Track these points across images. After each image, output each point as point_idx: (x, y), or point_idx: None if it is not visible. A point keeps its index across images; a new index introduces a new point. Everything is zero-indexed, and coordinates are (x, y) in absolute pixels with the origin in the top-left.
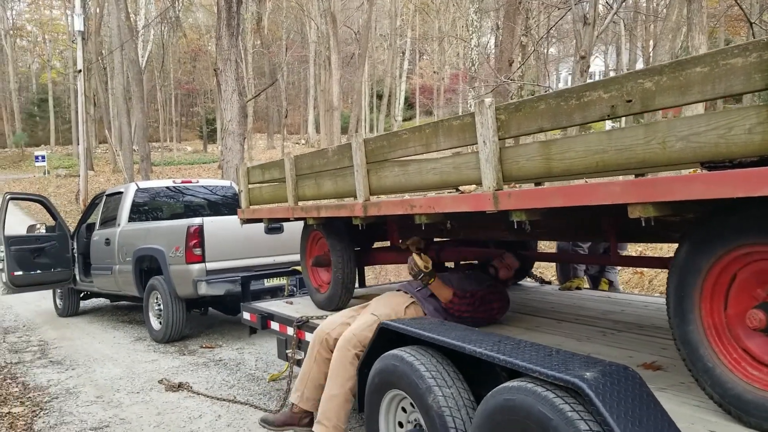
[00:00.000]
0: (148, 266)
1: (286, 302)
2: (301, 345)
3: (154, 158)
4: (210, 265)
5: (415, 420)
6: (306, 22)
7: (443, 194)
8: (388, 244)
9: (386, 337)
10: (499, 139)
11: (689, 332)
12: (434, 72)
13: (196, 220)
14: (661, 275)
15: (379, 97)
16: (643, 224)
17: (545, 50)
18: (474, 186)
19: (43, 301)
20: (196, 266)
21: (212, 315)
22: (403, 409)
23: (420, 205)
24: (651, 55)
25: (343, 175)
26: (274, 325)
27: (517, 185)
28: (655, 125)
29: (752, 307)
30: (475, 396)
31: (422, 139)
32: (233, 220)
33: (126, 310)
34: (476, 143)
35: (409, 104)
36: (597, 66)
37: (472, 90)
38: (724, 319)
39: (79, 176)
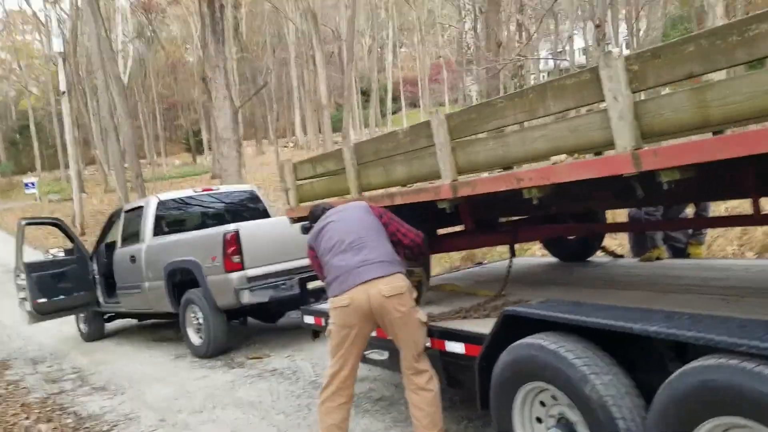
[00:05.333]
0: (180, 280)
1: None
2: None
3: (144, 175)
4: (250, 272)
5: (559, 414)
6: (284, 24)
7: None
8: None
9: (509, 327)
10: (632, 92)
11: None
12: (410, 66)
13: (231, 227)
14: (727, 235)
15: (364, 93)
16: None
17: (535, 27)
18: (564, 155)
19: (64, 326)
20: (236, 274)
21: (250, 324)
22: (542, 403)
23: (530, 178)
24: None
25: (420, 157)
26: None
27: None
28: None
29: None
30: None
31: (524, 105)
32: (267, 223)
33: (153, 329)
34: (601, 100)
35: (394, 97)
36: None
37: (469, 73)
38: None
39: (72, 200)
